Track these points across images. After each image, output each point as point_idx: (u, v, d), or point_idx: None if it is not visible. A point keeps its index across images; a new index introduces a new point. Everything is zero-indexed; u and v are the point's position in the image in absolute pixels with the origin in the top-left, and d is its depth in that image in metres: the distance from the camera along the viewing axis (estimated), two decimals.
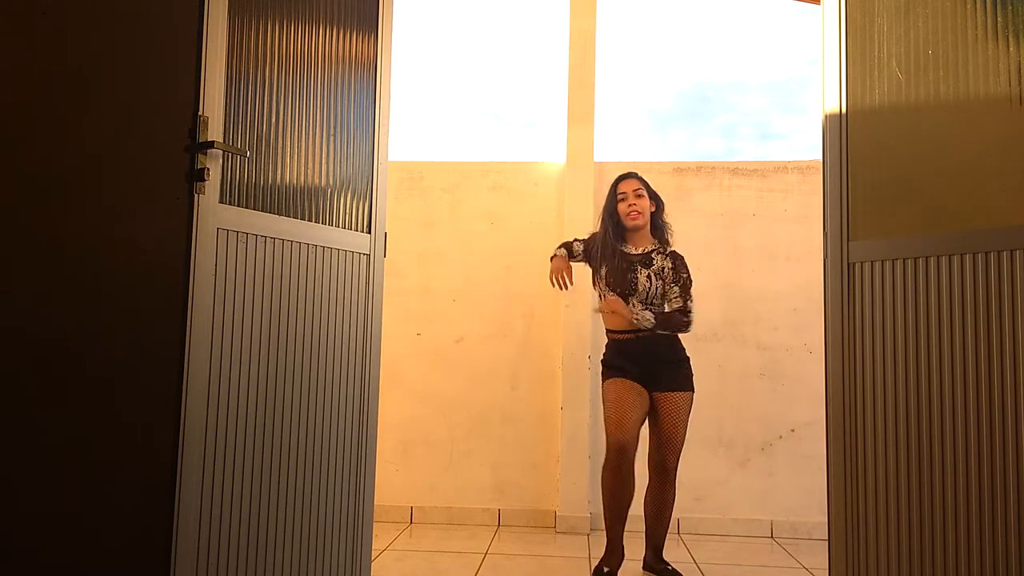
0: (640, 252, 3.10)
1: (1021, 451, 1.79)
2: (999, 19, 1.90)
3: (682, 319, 3.03)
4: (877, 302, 2.10)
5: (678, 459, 3.02)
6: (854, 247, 2.17)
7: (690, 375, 3.06)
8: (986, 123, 1.91)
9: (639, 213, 3.08)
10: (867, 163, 2.17)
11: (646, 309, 3.00)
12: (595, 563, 3.09)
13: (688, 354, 3.10)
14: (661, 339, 3.02)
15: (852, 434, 2.14)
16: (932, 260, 1.98)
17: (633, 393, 2.96)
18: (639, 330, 3.00)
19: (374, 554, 3.21)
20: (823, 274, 2.26)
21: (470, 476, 3.99)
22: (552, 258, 3.19)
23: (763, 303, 3.97)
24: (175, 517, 1.80)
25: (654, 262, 3.08)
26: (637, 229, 3.10)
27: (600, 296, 3.12)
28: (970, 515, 1.88)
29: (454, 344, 4.08)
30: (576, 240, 3.24)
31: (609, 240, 3.11)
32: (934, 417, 1.96)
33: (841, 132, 2.23)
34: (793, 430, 3.88)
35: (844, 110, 2.23)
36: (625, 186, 3.13)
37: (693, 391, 3.05)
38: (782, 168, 4.06)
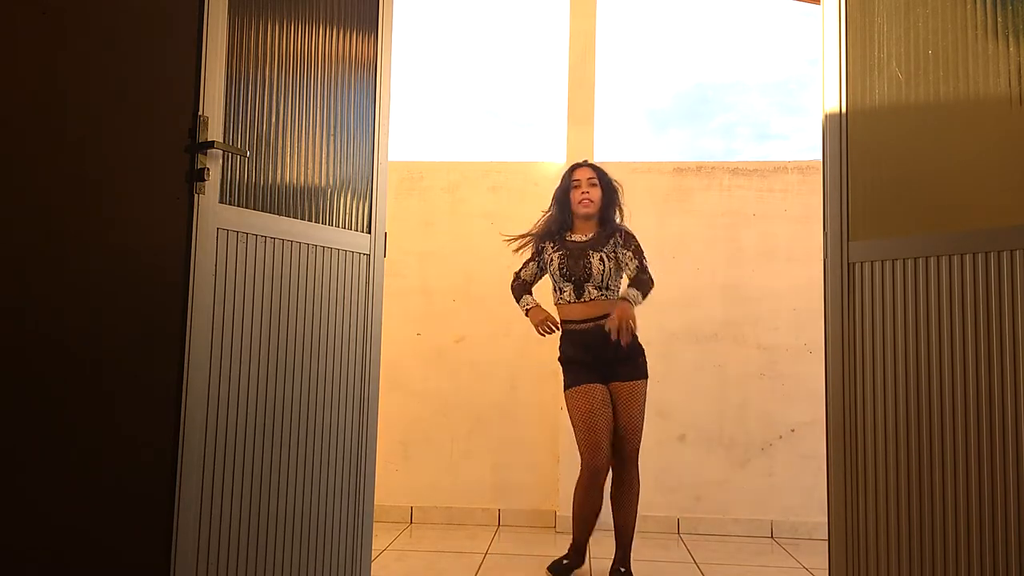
0: (587, 238, 3.09)
1: (1021, 451, 1.79)
2: (999, 19, 1.90)
3: (643, 277, 3.03)
4: (877, 302, 2.10)
5: (638, 448, 2.99)
6: (854, 247, 2.17)
7: (644, 362, 3.03)
8: (986, 123, 1.91)
9: (590, 201, 3.08)
10: (867, 163, 2.17)
11: (602, 294, 3.01)
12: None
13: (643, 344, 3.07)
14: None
15: (852, 434, 2.14)
16: (932, 260, 1.98)
17: (601, 407, 2.92)
18: (596, 318, 2.99)
19: (374, 554, 3.21)
20: (823, 274, 2.26)
21: (470, 476, 3.99)
22: (528, 312, 3.12)
23: (763, 303, 3.97)
24: (175, 517, 1.80)
25: (604, 244, 3.05)
26: (587, 218, 3.10)
27: (555, 288, 3.10)
28: (970, 515, 1.88)
29: (454, 344, 4.08)
30: (523, 267, 3.20)
31: (555, 228, 3.13)
32: (934, 417, 1.96)
33: (841, 132, 2.23)
34: (793, 430, 3.88)
35: (844, 110, 2.23)
36: (580, 174, 3.14)
37: (647, 378, 3.03)
38: (782, 168, 4.06)
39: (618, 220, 3.15)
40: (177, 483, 1.80)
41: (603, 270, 3.00)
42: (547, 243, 3.16)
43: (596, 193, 3.09)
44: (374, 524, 2.45)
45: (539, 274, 3.21)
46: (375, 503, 2.44)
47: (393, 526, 3.85)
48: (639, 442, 2.98)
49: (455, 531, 3.81)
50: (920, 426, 1.98)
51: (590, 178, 3.11)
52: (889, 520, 2.04)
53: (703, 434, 3.93)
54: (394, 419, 3.93)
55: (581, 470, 2.97)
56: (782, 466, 3.88)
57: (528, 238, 3.22)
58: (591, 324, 2.99)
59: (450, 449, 4.02)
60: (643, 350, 3.05)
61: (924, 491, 1.97)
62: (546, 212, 3.22)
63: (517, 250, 3.24)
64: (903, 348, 2.03)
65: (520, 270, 3.23)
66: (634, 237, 3.10)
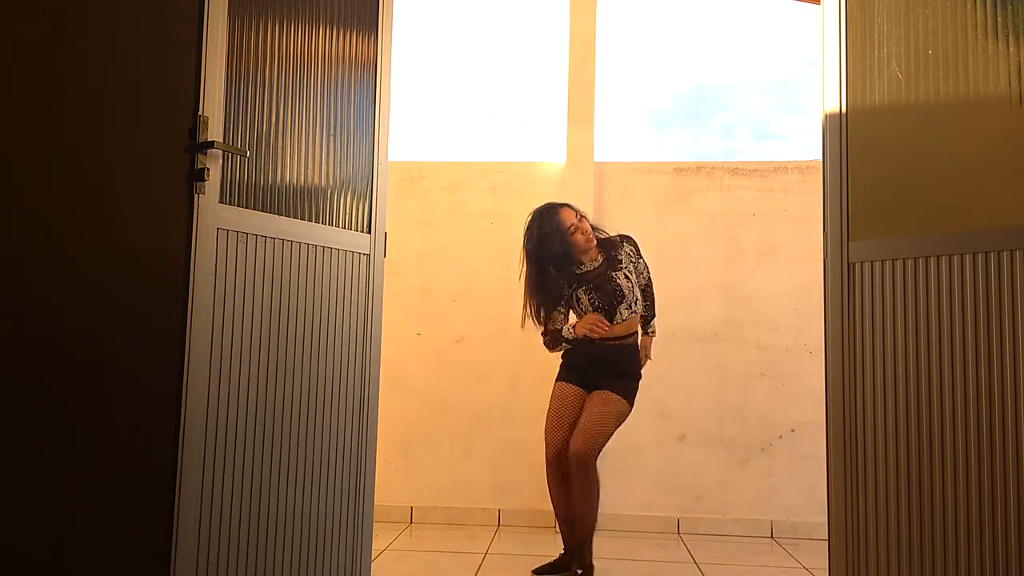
0: (600, 261, 3.09)
1: (1021, 451, 1.79)
2: (999, 19, 1.90)
3: (650, 303, 3.20)
4: (877, 302, 2.10)
5: (588, 451, 2.89)
6: (854, 247, 2.17)
7: (632, 388, 3.03)
8: (986, 123, 1.91)
9: (592, 236, 3.08)
10: (867, 163, 2.17)
11: (632, 312, 3.06)
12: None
13: (641, 373, 3.10)
14: (624, 350, 3.05)
15: (852, 434, 2.14)
16: (932, 260, 1.98)
17: (568, 404, 3.02)
18: (623, 337, 3.04)
19: (374, 554, 3.21)
20: (823, 274, 2.26)
21: (470, 476, 3.99)
22: (575, 329, 3.06)
23: (763, 303, 3.97)
24: (175, 517, 1.80)
25: (620, 260, 3.09)
26: (589, 250, 3.09)
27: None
28: (970, 515, 1.88)
29: (454, 344, 4.08)
30: (549, 322, 3.12)
31: (565, 273, 3.07)
32: (934, 417, 1.96)
33: (841, 132, 2.23)
34: (793, 430, 3.88)
35: (844, 110, 2.23)
36: (568, 216, 3.04)
37: (629, 404, 2.99)
38: (782, 168, 4.06)
39: (603, 234, 3.16)
40: (177, 483, 1.80)
41: (630, 285, 3.06)
42: (563, 288, 3.10)
43: (586, 224, 3.09)
44: (374, 524, 2.45)
45: (568, 317, 3.17)
46: (375, 503, 2.44)
47: (393, 526, 3.85)
48: (588, 446, 2.89)
49: (455, 531, 3.81)
50: (920, 426, 1.98)
51: (576, 215, 3.07)
52: (889, 520, 2.04)
53: (703, 434, 3.93)
54: (394, 419, 3.93)
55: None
56: (782, 466, 3.88)
57: (533, 301, 3.12)
58: (614, 343, 3.04)
59: (450, 449, 4.02)
60: (638, 376, 3.08)
61: (924, 491, 1.96)
62: (526, 272, 3.10)
63: (536, 314, 3.13)
64: (903, 348, 2.03)
65: (547, 326, 3.13)
66: (640, 254, 3.17)
